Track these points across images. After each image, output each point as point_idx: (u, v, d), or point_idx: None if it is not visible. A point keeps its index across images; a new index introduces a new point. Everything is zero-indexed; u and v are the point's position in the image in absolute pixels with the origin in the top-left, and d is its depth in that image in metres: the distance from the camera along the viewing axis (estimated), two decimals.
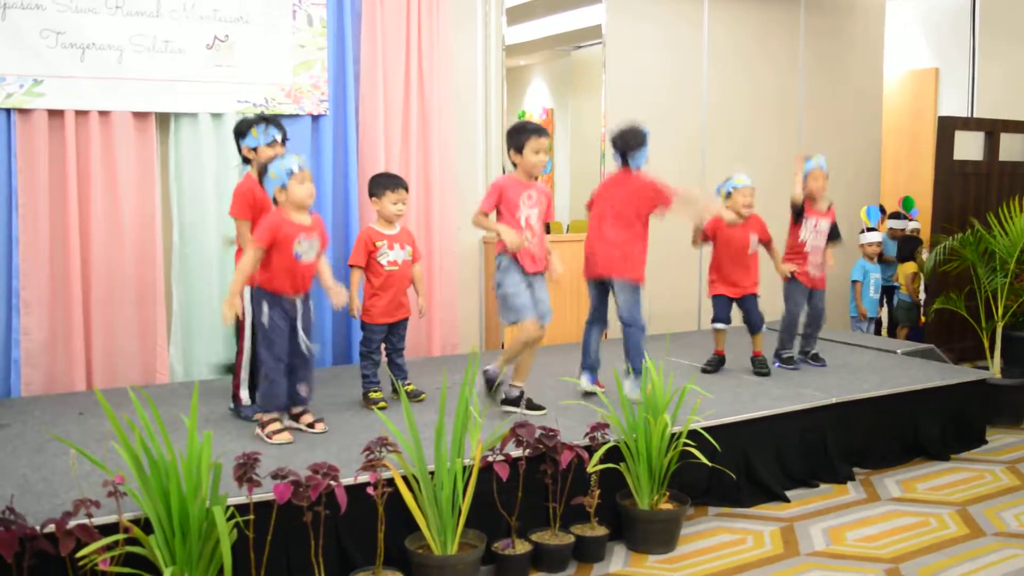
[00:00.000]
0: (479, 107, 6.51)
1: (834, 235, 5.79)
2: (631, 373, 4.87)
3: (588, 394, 5.02)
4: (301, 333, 4.21)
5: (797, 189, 5.66)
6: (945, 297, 6.47)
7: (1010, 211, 6.19)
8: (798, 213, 5.71)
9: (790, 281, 5.74)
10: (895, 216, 8.23)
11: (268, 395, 4.22)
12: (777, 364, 5.77)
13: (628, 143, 4.94)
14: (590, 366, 5.09)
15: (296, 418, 4.35)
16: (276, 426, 4.17)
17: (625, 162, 4.96)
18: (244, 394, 4.53)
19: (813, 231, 5.69)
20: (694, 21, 7.37)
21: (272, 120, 4.59)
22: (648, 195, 4.89)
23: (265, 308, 4.14)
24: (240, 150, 4.59)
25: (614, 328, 5.23)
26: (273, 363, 4.17)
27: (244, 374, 4.55)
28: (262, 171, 4.18)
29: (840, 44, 8.15)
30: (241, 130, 4.57)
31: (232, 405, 4.63)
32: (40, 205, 5.10)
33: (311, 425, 4.31)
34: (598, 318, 5.12)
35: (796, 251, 5.74)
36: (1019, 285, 6.42)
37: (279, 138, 4.54)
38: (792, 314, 5.79)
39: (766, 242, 5.63)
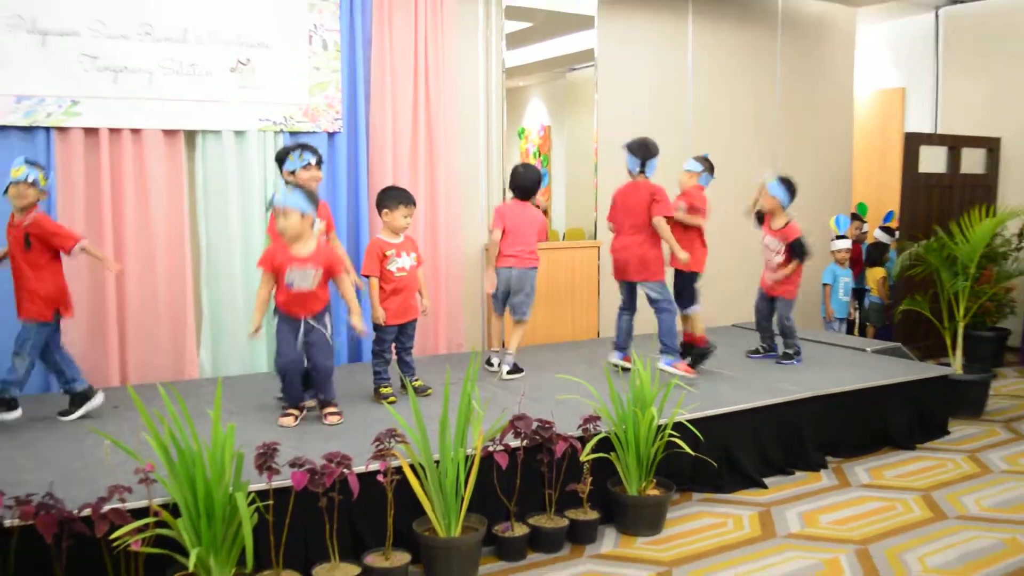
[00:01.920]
0: (481, 124, 6.51)
1: (793, 253, 5.72)
2: (663, 351, 5.20)
3: (617, 366, 5.45)
4: (309, 337, 4.28)
5: (751, 201, 5.95)
6: (911, 299, 6.48)
7: (971, 220, 6.19)
8: (759, 221, 5.95)
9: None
10: (854, 217, 8.28)
11: (284, 390, 4.38)
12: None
13: (650, 151, 5.31)
14: (619, 346, 5.51)
15: (325, 416, 4.42)
16: (289, 411, 4.34)
17: (642, 169, 5.28)
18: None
19: (762, 244, 5.92)
20: (679, 44, 7.38)
21: (307, 146, 4.72)
22: (649, 201, 5.20)
23: (276, 320, 4.31)
24: (282, 175, 4.73)
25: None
26: (283, 365, 4.28)
27: None
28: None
29: (814, 65, 8.16)
30: (280, 157, 4.75)
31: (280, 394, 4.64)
32: (77, 215, 5.12)
33: (324, 415, 4.38)
34: (627, 307, 5.49)
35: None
36: (979, 288, 6.43)
37: (313, 161, 4.66)
38: (756, 310, 6.08)
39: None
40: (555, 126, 7.52)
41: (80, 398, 4.46)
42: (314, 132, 5.70)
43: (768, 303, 5.96)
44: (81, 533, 2.97)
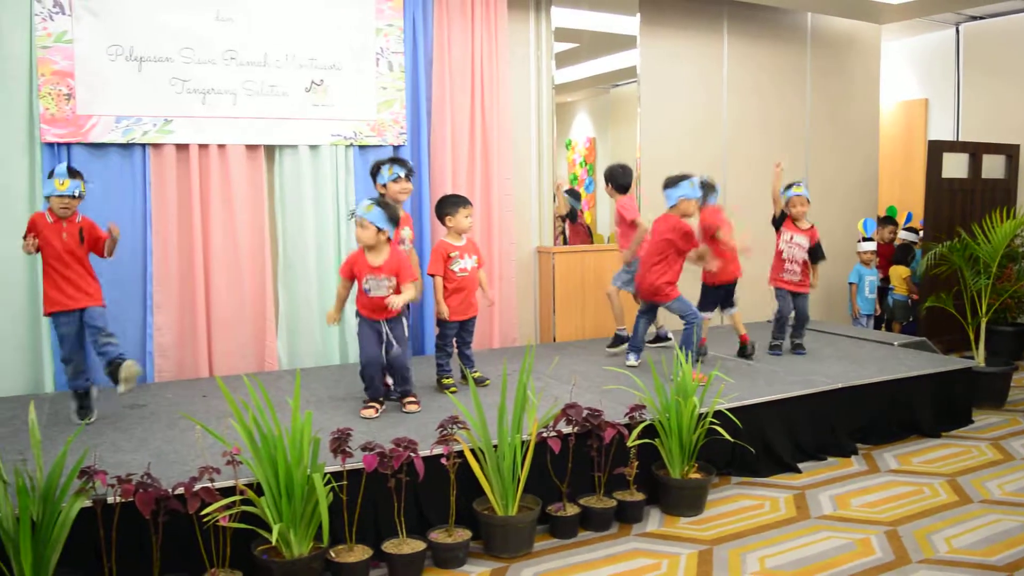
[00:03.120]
0: (532, 137, 6.48)
1: (816, 256, 5.67)
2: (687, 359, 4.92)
3: (632, 367, 5.24)
4: (388, 339, 4.26)
5: (775, 191, 5.71)
6: (936, 296, 6.34)
7: (992, 221, 6.05)
8: (776, 223, 5.73)
9: (777, 288, 5.77)
10: (888, 221, 8.11)
11: (366, 387, 4.34)
12: (768, 351, 5.81)
13: (664, 183, 5.16)
14: (635, 347, 5.34)
15: (404, 405, 4.38)
16: (370, 404, 4.29)
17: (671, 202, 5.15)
18: (390, 380, 4.50)
19: (789, 243, 5.68)
20: (715, 61, 7.29)
21: (398, 160, 4.70)
22: (674, 236, 5.07)
23: (357, 323, 4.30)
24: (376, 186, 4.72)
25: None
26: (365, 363, 4.28)
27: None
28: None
29: (841, 78, 8.01)
30: (373, 171, 4.74)
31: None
32: (170, 222, 5.19)
33: (404, 404, 4.35)
34: (645, 312, 5.33)
35: (777, 258, 5.76)
36: (1000, 286, 6.26)
37: (403, 174, 4.62)
38: (780, 311, 5.77)
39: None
40: (600, 138, 7.46)
41: (88, 395, 4.23)
42: (381, 146, 5.72)
43: (792, 301, 5.74)
44: (175, 509, 3.00)
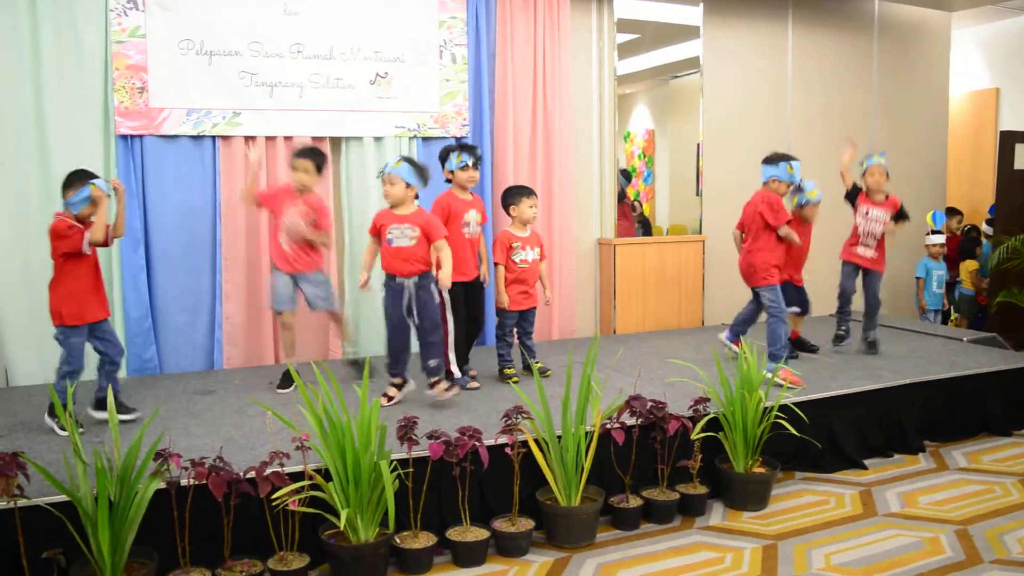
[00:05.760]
0: (594, 129, 6.45)
1: (901, 216, 5.43)
2: (768, 357, 4.73)
3: (726, 347, 5.26)
4: (411, 302, 4.16)
5: (844, 165, 5.47)
6: (1007, 291, 6.16)
7: None
8: (850, 197, 5.47)
9: (845, 262, 5.49)
10: (952, 212, 7.91)
11: (388, 363, 4.31)
12: (832, 345, 5.57)
13: (764, 159, 5.03)
14: (731, 326, 5.26)
15: (431, 387, 4.25)
16: (393, 384, 4.27)
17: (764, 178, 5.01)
18: (454, 368, 4.44)
19: (866, 218, 5.40)
20: (780, 51, 7.16)
21: (466, 147, 4.67)
22: (759, 212, 4.93)
23: (383, 291, 4.24)
24: (444, 172, 4.71)
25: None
26: (387, 330, 4.23)
27: (451, 353, 4.45)
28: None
29: (909, 67, 7.81)
30: (442, 157, 4.72)
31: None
32: (238, 213, 5.26)
33: (436, 388, 4.24)
34: (754, 300, 5.15)
35: (853, 234, 5.48)
36: None
37: (471, 163, 4.60)
38: (843, 289, 5.50)
39: None
40: (658, 130, 7.39)
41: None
42: (444, 137, 5.73)
43: (856, 279, 5.47)
44: (246, 493, 3.04)
